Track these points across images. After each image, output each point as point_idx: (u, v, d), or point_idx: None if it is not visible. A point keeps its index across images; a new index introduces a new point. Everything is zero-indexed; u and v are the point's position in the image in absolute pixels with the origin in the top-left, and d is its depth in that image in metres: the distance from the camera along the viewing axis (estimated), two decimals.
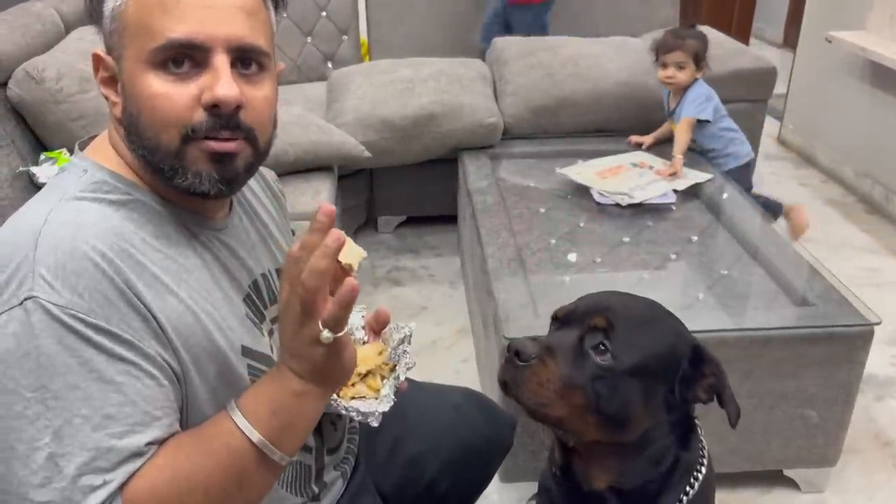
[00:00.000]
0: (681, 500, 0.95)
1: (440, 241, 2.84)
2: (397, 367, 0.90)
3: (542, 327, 1.00)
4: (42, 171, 1.83)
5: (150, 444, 0.70)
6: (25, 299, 0.68)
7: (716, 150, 2.43)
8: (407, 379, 0.92)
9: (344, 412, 0.85)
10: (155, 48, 0.73)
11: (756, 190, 2.58)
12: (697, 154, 2.45)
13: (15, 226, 0.74)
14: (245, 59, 0.77)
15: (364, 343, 0.97)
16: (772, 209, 2.47)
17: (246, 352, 0.83)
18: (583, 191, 2.24)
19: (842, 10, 3.32)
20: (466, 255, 2.37)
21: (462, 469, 1.19)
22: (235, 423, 0.73)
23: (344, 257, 0.71)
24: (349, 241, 0.71)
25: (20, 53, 1.95)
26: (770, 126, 3.52)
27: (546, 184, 2.34)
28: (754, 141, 2.74)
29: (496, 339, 1.60)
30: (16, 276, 0.69)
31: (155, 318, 0.73)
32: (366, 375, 0.89)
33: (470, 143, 2.59)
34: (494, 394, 1.53)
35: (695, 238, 2.01)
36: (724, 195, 2.22)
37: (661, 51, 2.40)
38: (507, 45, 2.82)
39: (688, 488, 0.95)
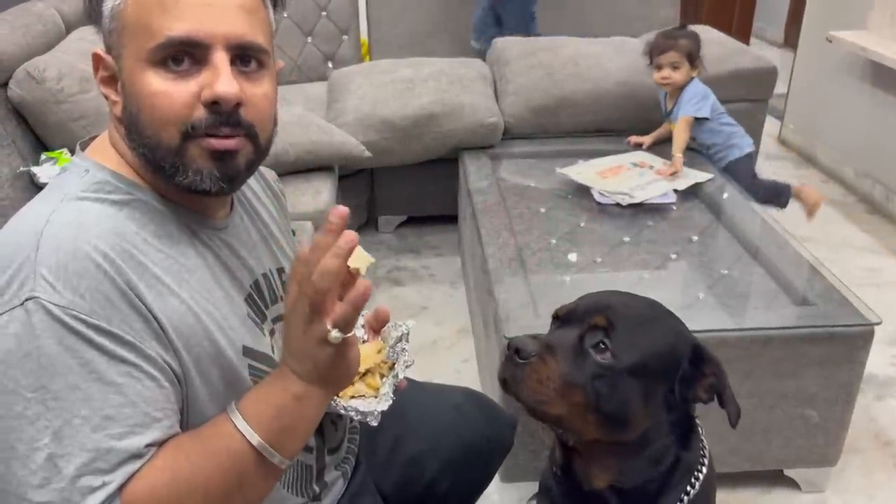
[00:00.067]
0: (681, 500, 0.95)
1: (441, 241, 2.84)
2: (396, 366, 0.90)
3: (542, 327, 1.00)
4: (43, 171, 1.83)
5: (149, 445, 0.70)
6: (27, 300, 0.68)
7: (717, 144, 2.44)
8: (407, 378, 0.92)
9: (343, 412, 0.85)
10: (154, 46, 0.73)
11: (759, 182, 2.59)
12: (698, 153, 2.46)
13: (17, 226, 0.74)
14: (244, 56, 0.77)
15: (363, 342, 0.97)
16: (781, 192, 2.47)
17: (247, 352, 0.83)
18: (583, 191, 2.24)
19: (842, 9, 3.31)
20: (467, 254, 2.37)
21: (462, 469, 1.19)
22: (235, 425, 0.73)
23: (352, 262, 0.71)
24: (358, 247, 0.72)
25: (21, 53, 1.95)
26: (770, 126, 3.52)
27: (546, 184, 2.34)
28: (755, 141, 2.74)
29: (497, 339, 1.61)
30: (17, 277, 0.69)
31: (156, 319, 0.73)
32: (365, 374, 0.89)
33: (470, 142, 2.59)
34: (495, 394, 1.53)
35: (695, 238, 2.01)
36: (725, 195, 2.22)
37: (654, 53, 2.41)
38: (508, 45, 2.82)
39: (688, 488, 0.95)
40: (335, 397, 0.85)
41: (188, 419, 0.77)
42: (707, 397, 0.93)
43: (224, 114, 0.75)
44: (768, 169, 3.47)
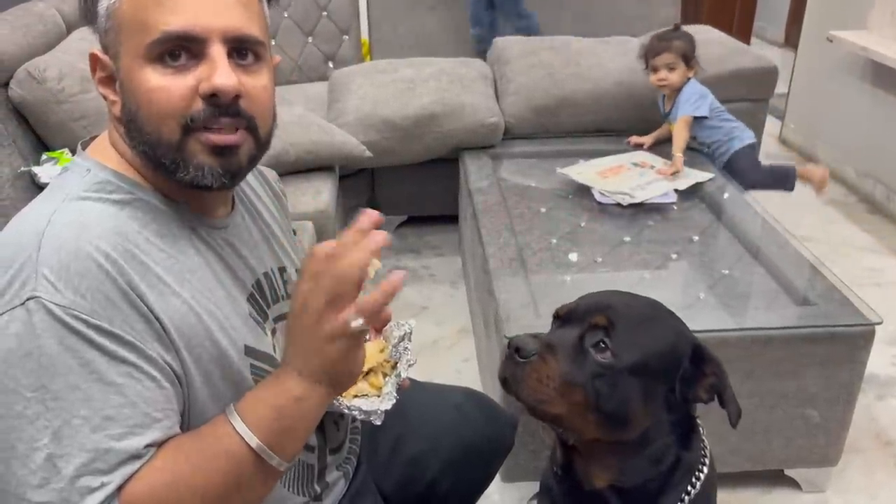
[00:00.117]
0: (682, 500, 0.95)
1: (441, 241, 2.84)
2: (399, 365, 0.90)
3: (543, 327, 1.00)
4: (44, 171, 1.83)
5: (149, 445, 0.70)
6: (28, 299, 0.68)
7: (718, 141, 2.44)
8: (409, 378, 0.92)
9: (346, 411, 0.86)
10: (151, 42, 0.73)
11: (753, 189, 2.59)
12: (699, 153, 2.46)
13: (18, 226, 0.74)
14: (241, 49, 0.77)
15: (366, 341, 0.97)
16: (787, 174, 2.47)
17: (249, 351, 0.83)
18: (584, 190, 2.24)
19: (843, 9, 3.31)
20: (467, 254, 2.37)
21: (463, 469, 1.19)
22: (234, 427, 0.72)
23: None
24: (376, 260, 0.73)
25: (22, 53, 1.95)
26: (771, 125, 3.52)
27: (547, 183, 2.34)
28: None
29: (497, 339, 1.61)
30: (19, 277, 0.69)
31: (158, 319, 0.73)
32: (367, 373, 0.89)
33: (471, 142, 2.59)
34: (496, 394, 1.53)
35: (696, 238, 2.01)
36: (725, 195, 2.22)
37: (649, 55, 2.41)
38: (509, 45, 2.82)
39: (689, 488, 0.95)
40: (338, 397, 0.85)
41: (189, 419, 0.77)
42: (707, 397, 0.93)
43: (223, 106, 0.75)
44: None
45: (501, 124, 2.60)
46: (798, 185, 2.52)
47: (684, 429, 0.96)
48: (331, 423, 1.00)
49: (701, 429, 1.00)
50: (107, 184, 0.78)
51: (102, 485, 0.67)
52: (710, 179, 2.27)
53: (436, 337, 2.29)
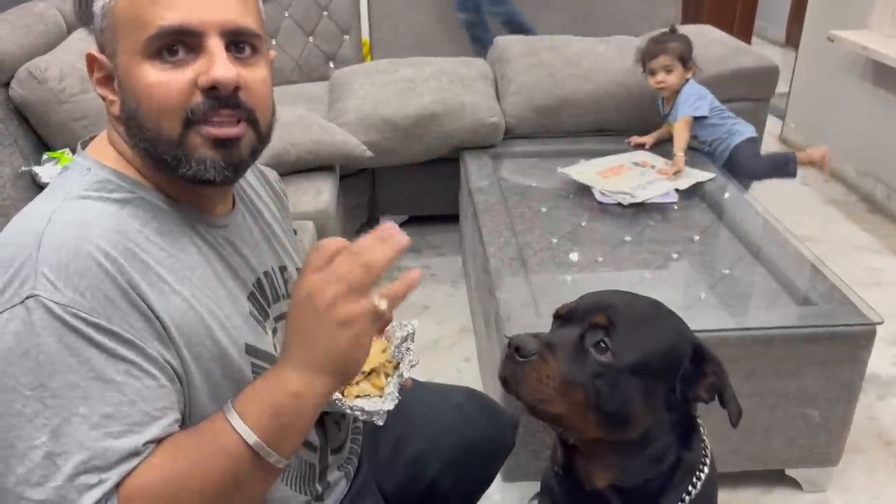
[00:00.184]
0: (683, 500, 0.95)
1: (442, 241, 2.84)
2: (401, 365, 0.90)
3: (543, 326, 1.00)
4: (44, 171, 1.83)
5: (147, 443, 0.70)
6: (27, 298, 0.68)
7: (718, 138, 2.45)
8: (411, 378, 0.93)
9: (349, 411, 0.85)
10: (148, 38, 0.73)
11: (753, 188, 2.59)
12: (699, 152, 2.46)
13: (19, 226, 0.74)
14: (238, 42, 0.77)
15: None
16: (788, 160, 2.47)
17: (250, 350, 0.83)
18: (584, 190, 2.24)
19: (844, 8, 3.31)
20: (468, 254, 2.37)
21: (464, 469, 1.19)
22: (232, 425, 0.72)
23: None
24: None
25: (23, 53, 1.96)
26: (772, 125, 3.52)
27: (548, 183, 2.34)
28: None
29: (498, 339, 1.61)
30: (19, 275, 0.69)
31: (158, 317, 0.73)
32: (370, 374, 0.89)
33: (472, 142, 2.59)
34: (496, 393, 1.53)
35: (697, 237, 2.01)
36: (726, 194, 2.22)
37: (646, 59, 2.43)
38: (510, 44, 2.82)
39: (690, 488, 0.95)
40: (341, 397, 0.85)
41: (190, 417, 0.77)
42: (708, 397, 0.93)
43: (223, 98, 0.75)
44: None
45: (502, 124, 2.60)
46: (798, 184, 2.52)
47: (685, 428, 0.96)
48: (332, 424, 1.00)
49: (702, 428, 0.99)
50: (107, 182, 0.78)
51: (100, 481, 0.67)
52: (711, 179, 2.27)
53: (437, 336, 2.29)
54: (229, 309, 0.82)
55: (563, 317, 0.95)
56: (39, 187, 1.78)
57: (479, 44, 3.23)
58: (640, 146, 2.54)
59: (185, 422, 0.77)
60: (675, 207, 2.16)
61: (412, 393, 0.97)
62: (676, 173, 2.26)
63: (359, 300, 0.70)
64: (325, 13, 3.18)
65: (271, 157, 2.14)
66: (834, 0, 3.41)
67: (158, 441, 0.71)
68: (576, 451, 0.96)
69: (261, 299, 0.89)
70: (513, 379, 0.90)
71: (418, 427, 1.17)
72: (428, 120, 2.53)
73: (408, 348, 0.91)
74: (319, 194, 2.21)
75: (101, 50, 0.79)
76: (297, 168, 2.27)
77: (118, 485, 0.68)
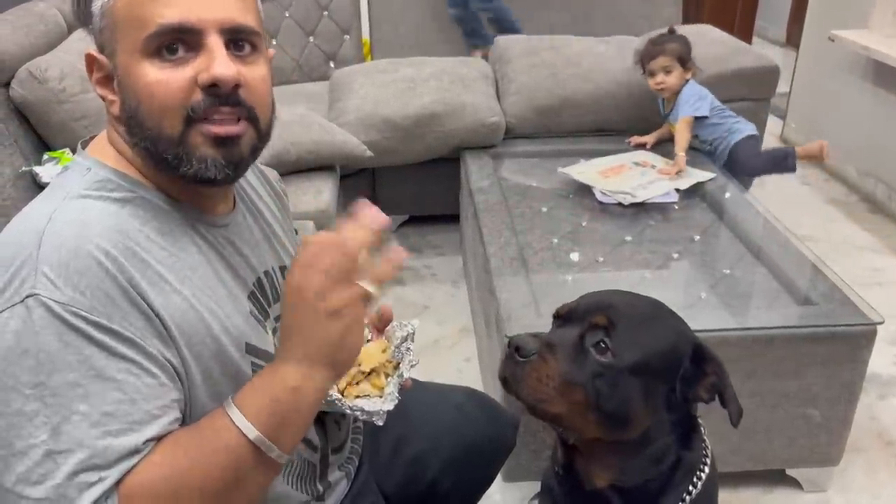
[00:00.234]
0: (683, 500, 0.95)
1: (442, 241, 2.84)
2: (401, 365, 0.90)
3: (544, 326, 1.00)
4: (45, 171, 1.83)
5: (147, 441, 0.70)
6: (27, 297, 0.68)
7: (719, 137, 2.46)
8: (411, 378, 0.92)
9: (349, 411, 0.85)
10: (147, 36, 0.73)
11: (755, 184, 2.60)
12: (700, 152, 2.46)
13: (19, 225, 0.74)
14: (238, 40, 0.77)
15: (368, 341, 0.97)
16: (787, 154, 2.47)
17: (250, 349, 0.83)
18: (585, 190, 2.24)
19: (844, 8, 3.31)
20: (469, 254, 2.37)
21: (464, 469, 1.19)
22: (232, 420, 0.72)
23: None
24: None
25: (23, 53, 1.96)
26: (773, 125, 3.52)
27: (548, 183, 2.34)
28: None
29: (498, 339, 1.60)
30: (19, 274, 0.69)
31: (158, 316, 0.73)
32: (370, 374, 0.89)
33: (472, 142, 2.59)
34: (497, 393, 1.53)
35: (697, 237, 2.01)
36: (727, 194, 2.22)
37: (644, 60, 2.44)
38: (510, 44, 2.82)
39: (690, 487, 0.95)
40: (341, 397, 0.85)
41: (190, 416, 0.77)
42: (708, 397, 0.93)
43: (223, 96, 0.75)
44: None
45: (502, 124, 2.60)
46: (799, 184, 2.52)
47: (685, 428, 0.96)
48: (332, 424, 1.00)
49: (702, 428, 0.99)
50: (107, 182, 0.78)
51: (100, 479, 0.66)
52: (712, 179, 2.27)
53: (437, 336, 2.29)
54: (230, 308, 0.82)
55: (563, 317, 0.95)
56: (40, 187, 1.78)
57: (472, 39, 3.23)
58: (641, 146, 2.54)
59: (186, 421, 0.76)
60: (676, 207, 2.16)
61: (412, 393, 0.97)
62: (678, 173, 2.26)
63: (345, 288, 0.71)
64: (326, 13, 3.18)
65: (272, 156, 2.14)
66: (834, 0, 3.41)
67: (158, 439, 0.71)
68: (576, 451, 0.96)
69: (261, 299, 0.89)
70: (513, 379, 0.90)
71: (419, 427, 1.17)
72: (428, 120, 2.53)
73: (408, 348, 0.91)
74: (320, 194, 2.21)
75: (101, 50, 0.79)
76: (297, 168, 2.27)
77: (118, 483, 0.67)
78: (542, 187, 2.32)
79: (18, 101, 1.89)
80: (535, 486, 1.17)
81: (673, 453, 0.94)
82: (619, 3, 3.30)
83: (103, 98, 0.80)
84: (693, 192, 2.22)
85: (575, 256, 1.93)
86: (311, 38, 3.19)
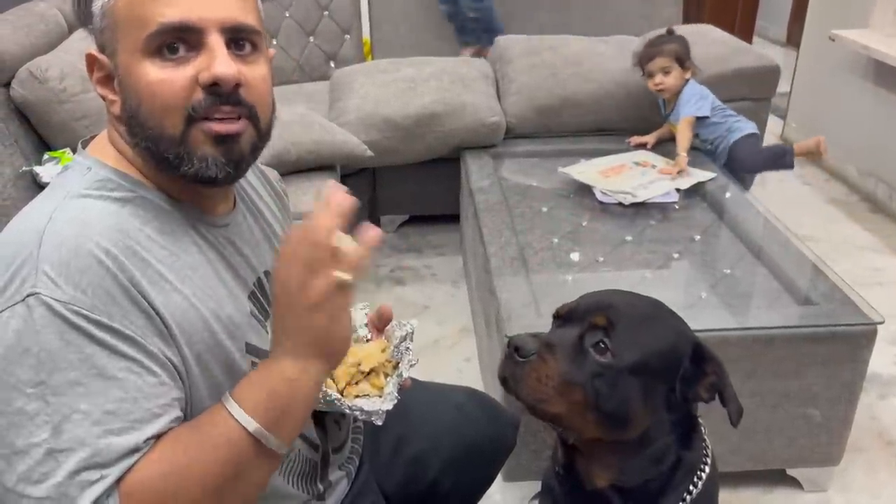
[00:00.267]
0: (684, 499, 0.95)
1: (443, 240, 2.84)
2: (400, 365, 0.90)
3: (544, 326, 1.00)
4: (45, 171, 1.83)
5: (148, 440, 0.70)
6: (28, 296, 0.68)
7: (720, 136, 2.46)
8: (410, 378, 0.92)
9: (348, 411, 0.85)
10: (148, 35, 0.73)
11: (755, 183, 2.61)
12: (700, 151, 2.46)
13: (20, 224, 0.74)
14: (238, 40, 0.77)
15: (367, 341, 0.97)
16: (785, 152, 2.48)
17: (250, 349, 0.83)
18: (585, 190, 2.24)
19: (845, 8, 3.31)
20: (469, 254, 2.37)
21: (465, 468, 1.19)
22: (231, 413, 0.72)
23: (341, 241, 0.71)
24: (345, 235, 0.72)
25: (23, 53, 1.96)
26: (773, 124, 3.51)
27: (548, 183, 2.34)
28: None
29: (498, 338, 1.60)
30: (19, 274, 0.69)
31: (159, 315, 0.73)
32: (369, 373, 0.89)
33: (472, 142, 2.59)
34: (497, 393, 1.53)
35: (697, 237, 2.01)
36: (727, 194, 2.22)
37: (643, 62, 2.45)
38: (511, 44, 2.81)
39: (691, 487, 0.95)
40: (340, 397, 0.85)
41: (191, 415, 0.77)
42: (708, 396, 0.93)
43: (224, 95, 0.75)
44: None
45: (503, 124, 2.60)
46: (799, 184, 2.52)
47: (685, 428, 0.96)
48: (332, 423, 1.00)
49: (703, 428, 0.99)
50: (108, 181, 0.78)
51: (101, 478, 0.67)
52: (712, 179, 2.27)
53: (437, 336, 2.29)
54: (230, 308, 0.82)
55: (562, 317, 0.95)
56: (40, 187, 1.78)
57: (462, 36, 3.23)
58: (641, 146, 2.54)
59: (186, 419, 0.76)
60: (676, 207, 2.16)
61: (413, 393, 0.97)
62: (679, 173, 2.26)
63: (320, 279, 0.70)
64: (326, 13, 3.18)
65: (272, 156, 2.14)
66: (835, 0, 3.41)
67: (159, 437, 0.71)
68: (576, 451, 0.96)
69: (261, 298, 0.89)
70: (512, 379, 0.90)
71: (419, 427, 1.17)
72: (429, 119, 2.53)
73: (407, 348, 0.91)
74: (320, 194, 2.20)
75: (101, 50, 0.79)
76: (297, 168, 2.27)
77: (119, 481, 0.68)
78: (543, 187, 2.32)
79: (19, 100, 1.89)
80: (536, 486, 1.17)
81: (673, 453, 0.94)
82: (619, 3, 3.30)
83: (104, 98, 0.80)
84: (693, 192, 2.22)
85: (575, 256, 1.93)
86: (312, 38, 3.19)
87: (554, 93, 2.63)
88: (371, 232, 0.73)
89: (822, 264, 1.78)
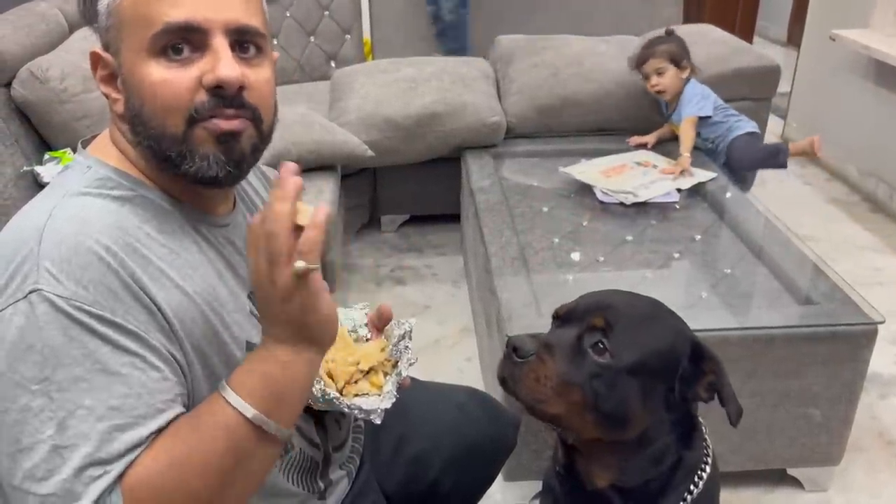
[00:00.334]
0: (685, 499, 0.95)
1: (443, 240, 2.84)
2: (399, 364, 0.90)
3: (544, 326, 1.00)
4: (46, 171, 1.83)
5: (151, 434, 0.70)
6: (30, 292, 0.68)
7: (721, 135, 2.47)
8: (410, 377, 0.93)
9: (347, 410, 0.86)
10: (153, 35, 0.73)
11: (756, 183, 2.60)
12: (701, 151, 2.46)
13: (19, 223, 0.75)
14: (243, 42, 0.77)
15: (367, 340, 0.97)
16: (779, 151, 2.48)
17: (251, 347, 0.83)
18: (586, 190, 2.24)
19: (845, 7, 3.31)
20: (469, 253, 2.37)
21: (465, 468, 1.19)
22: (228, 401, 0.71)
23: (302, 219, 0.69)
24: (306, 205, 0.70)
25: (24, 53, 1.96)
26: (774, 124, 3.51)
27: (549, 183, 2.34)
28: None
29: (499, 338, 1.61)
30: (20, 271, 0.69)
31: (160, 310, 0.73)
32: (368, 372, 0.89)
33: (473, 142, 2.59)
34: (498, 393, 1.53)
35: (698, 237, 2.01)
36: (728, 194, 2.22)
37: (638, 65, 2.47)
38: (512, 44, 2.82)
39: (692, 487, 0.95)
40: (339, 396, 0.86)
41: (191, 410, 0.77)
42: (707, 396, 0.93)
43: (227, 97, 0.75)
44: None
45: (503, 123, 2.60)
46: (800, 184, 2.52)
47: (686, 428, 0.95)
48: (332, 422, 1.00)
49: (703, 428, 0.99)
50: (107, 180, 0.78)
51: (105, 473, 0.67)
52: (713, 179, 2.27)
53: (438, 336, 2.29)
54: (231, 306, 0.82)
55: (561, 317, 0.95)
56: (41, 187, 1.78)
57: (440, 41, 3.24)
58: (642, 146, 2.54)
59: None
60: (677, 207, 2.16)
61: (413, 392, 0.97)
62: (682, 173, 2.26)
63: (282, 271, 0.69)
64: (327, 13, 3.18)
65: (272, 156, 2.14)
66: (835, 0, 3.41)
67: (160, 431, 0.71)
68: (576, 451, 0.96)
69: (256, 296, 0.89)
70: (511, 379, 0.90)
71: (420, 426, 1.17)
72: (429, 119, 2.53)
73: (406, 346, 0.91)
74: (321, 194, 2.21)
75: (106, 48, 0.79)
76: (300, 167, 2.26)
77: (121, 476, 0.68)
78: (543, 187, 2.32)
79: (20, 100, 1.89)
80: (536, 486, 1.17)
81: (673, 453, 0.94)
82: (619, 3, 3.30)
83: (107, 96, 0.80)
84: (694, 192, 2.22)
85: (576, 256, 1.93)
86: (312, 38, 3.19)
87: (555, 92, 2.63)
88: (319, 213, 0.70)
89: (823, 264, 1.78)
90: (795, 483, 1.73)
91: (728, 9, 5.36)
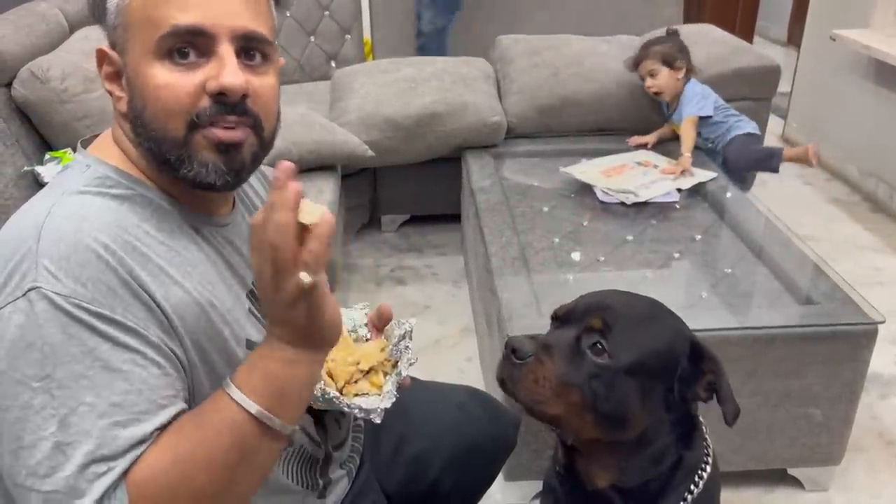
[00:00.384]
0: (685, 499, 0.95)
1: (444, 240, 2.84)
2: (399, 364, 0.90)
3: (545, 326, 1.00)
4: (47, 171, 1.83)
5: (154, 431, 0.70)
6: (29, 290, 0.68)
7: (720, 135, 2.47)
8: (410, 377, 0.93)
9: (347, 409, 0.86)
10: (160, 36, 0.73)
11: (756, 184, 2.61)
12: (701, 150, 2.46)
13: (19, 221, 0.75)
14: (249, 49, 0.77)
15: (367, 340, 0.97)
16: (773, 154, 2.48)
17: (251, 345, 0.84)
18: (586, 189, 2.24)
19: (846, 7, 3.31)
20: (470, 253, 2.37)
21: (465, 468, 1.19)
22: (232, 397, 0.71)
23: (304, 217, 0.68)
24: (308, 202, 0.69)
25: (25, 53, 1.96)
26: (774, 124, 3.52)
27: (549, 183, 2.34)
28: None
29: (499, 338, 1.61)
30: (19, 269, 0.69)
31: (160, 307, 0.74)
32: (368, 372, 0.89)
33: (473, 142, 2.59)
34: (498, 393, 1.53)
35: (698, 237, 2.01)
36: (728, 194, 2.22)
37: (633, 67, 2.49)
38: (512, 44, 2.82)
39: (692, 487, 0.95)
40: (339, 396, 0.86)
41: (193, 407, 0.77)
42: (706, 396, 0.92)
43: (230, 105, 0.75)
44: None
45: (504, 123, 2.60)
46: (800, 184, 2.52)
47: (686, 428, 0.95)
48: (332, 422, 1.00)
49: (704, 428, 0.99)
50: (106, 179, 0.78)
51: (109, 470, 0.67)
52: (713, 179, 2.27)
53: (438, 336, 2.29)
54: (230, 304, 0.83)
55: (560, 318, 0.95)
56: (41, 187, 1.78)
57: (419, 40, 3.24)
58: (642, 146, 2.54)
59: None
60: (677, 207, 2.16)
61: (414, 392, 0.97)
62: (683, 173, 2.26)
63: (288, 280, 0.68)
64: (327, 13, 3.18)
65: (273, 156, 2.13)
66: None
67: (164, 428, 0.71)
68: (576, 452, 0.96)
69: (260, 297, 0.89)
70: (510, 380, 0.90)
71: (420, 426, 1.17)
72: (429, 119, 2.53)
73: (406, 346, 0.91)
74: (321, 194, 2.21)
75: (112, 46, 0.79)
76: (298, 168, 2.26)
77: (125, 472, 0.68)
78: (544, 187, 2.32)
79: (20, 100, 1.89)
80: (537, 486, 1.17)
81: (673, 453, 0.94)
82: (620, 2, 3.30)
83: (111, 93, 0.80)
84: (694, 192, 2.22)
85: (576, 256, 1.93)
86: (313, 38, 3.19)
87: (555, 92, 2.63)
88: (327, 218, 0.68)
89: (823, 264, 1.78)
90: (796, 483, 1.73)
91: (728, 9, 5.36)
